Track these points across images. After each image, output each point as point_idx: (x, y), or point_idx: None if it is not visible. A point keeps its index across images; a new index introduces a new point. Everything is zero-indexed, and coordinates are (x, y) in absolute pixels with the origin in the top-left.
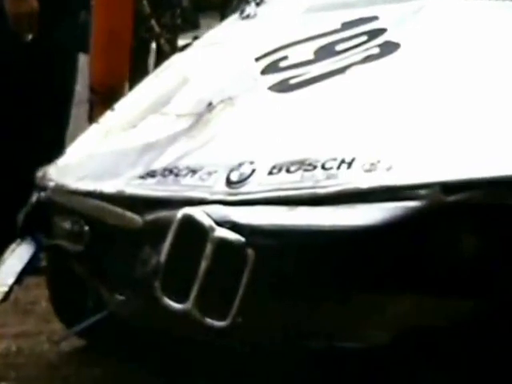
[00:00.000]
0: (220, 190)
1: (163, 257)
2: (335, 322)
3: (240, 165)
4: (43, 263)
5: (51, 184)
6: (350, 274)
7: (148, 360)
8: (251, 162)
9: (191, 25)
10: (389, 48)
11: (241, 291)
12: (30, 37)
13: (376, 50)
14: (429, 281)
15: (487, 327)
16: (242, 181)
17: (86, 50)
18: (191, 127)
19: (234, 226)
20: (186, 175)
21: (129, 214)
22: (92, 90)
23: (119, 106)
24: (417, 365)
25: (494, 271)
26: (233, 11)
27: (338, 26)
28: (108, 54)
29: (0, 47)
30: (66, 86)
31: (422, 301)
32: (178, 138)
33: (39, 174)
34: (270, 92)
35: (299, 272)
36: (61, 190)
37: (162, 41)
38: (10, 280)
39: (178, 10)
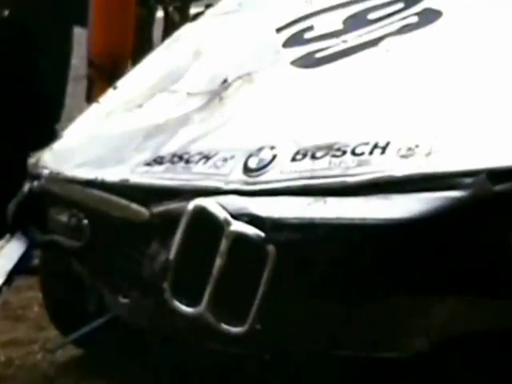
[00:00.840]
0: (236, 178)
1: (172, 254)
2: (371, 329)
3: (259, 150)
4: (36, 262)
5: (45, 172)
6: (386, 274)
7: (154, 372)
8: (272, 147)
9: None
10: (429, 16)
11: (260, 293)
12: (5, 12)
13: (414, 19)
14: (475, 282)
15: None
16: (262, 168)
17: (82, 23)
18: (204, 107)
19: (252, 220)
20: (198, 162)
21: (134, 205)
22: (91, 63)
23: (122, 82)
24: (458, 373)
25: None
26: None
27: None
28: (109, 22)
29: None
30: (60, 62)
31: (466, 304)
32: (189, 119)
33: (32, 160)
34: (293, 67)
35: (327, 272)
36: (56, 178)
37: (171, 9)
38: None
39: None
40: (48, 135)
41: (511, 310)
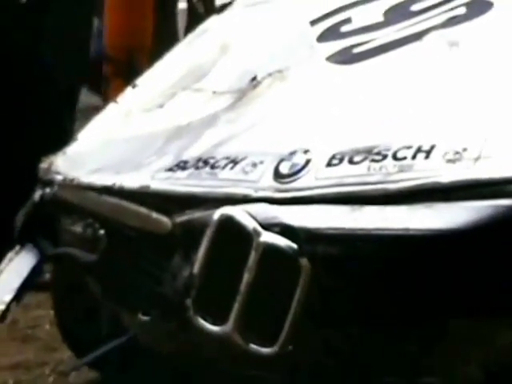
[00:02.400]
0: (267, 185)
1: (197, 268)
2: (418, 354)
3: (292, 154)
4: (47, 277)
5: (58, 178)
6: (432, 291)
7: None
8: (306, 151)
9: None
10: (479, 7)
11: (292, 311)
12: None
13: (462, 10)
14: None
15: None
16: (295, 174)
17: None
18: (231, 107)
19: (284, 230)
20: (224, 167)
21: (155, 215)
22: (107, 57)
23: (142, 80)
24: None
25: None
26: None
27: None
28: (125, 10)
29: None
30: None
31: None
32: (214, 120)
33: (43, 165)
34: (328, 63)
35: (367, 289)
36: (70, 184)
37: (195, 1)
38: (7, 297)
39: None
40: (60, 137)
41: None
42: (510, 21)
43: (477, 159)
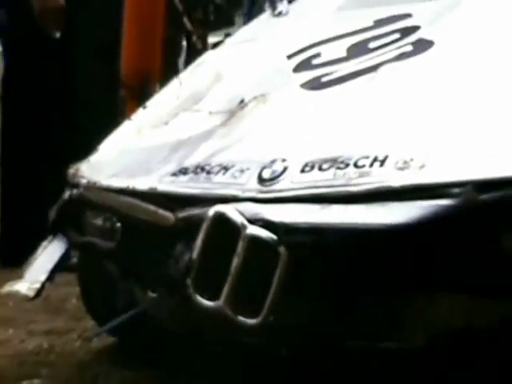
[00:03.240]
0: (252, 187)
1: (195, 254)
2: (372, 322)
3: (272, 162)
4: (74, 260)
5: (83, 181)
6: (384, 273)
7: (178, 361)
8: (283, 160)
9: (226, 22)
10: (422, 46)
11: (273, 289)
12: (57, 33)
13: (409, 48)
14: (465, 281)
15: None
16: (274, 178)
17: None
18: (223, 124)
19: (266, 224)
20: (218, 172)
21: (161, 211)
22: (124, 84)
23: (151, 103)
24: (452, 366)
25: None
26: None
27: (371, 24)
28: (140, 47)
29: (29, 44)
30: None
31: (458, 301)
32: (210, 135)
33: (71, 170)
34: (302, 89)
35: (332, 271)
36: (93, 186)
37: (194, 38)
38: (42, 277)
39: (211, 6)
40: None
41: (501, 308)
42: (447, 55)
43: (421, 167)
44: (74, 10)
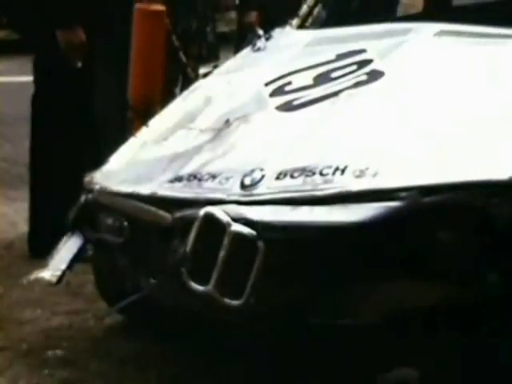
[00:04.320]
0: (235, 192)
1: (189, 247)
2: (334, 303)
3: (252, 171)
4: (90, 253)
5: (97, 187)
6: (344, 262)
7: (178, 336)
8: (261, 169)
9: (214, 56)
10: (374, 75)
11: (253, 276)
12: (79, 64)
13: (364, 77)
14: (410, 268)
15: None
16: (254, 184)
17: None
18: (212, 140)
19: (247, 222)
20: (207, 180)
21: (160, 212)
22: (131, 108)
23: (153, 122)
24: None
25: (463, 259)
26: (246, 45)
27: (333, 57)
28: (144, 78)
29: (54, 73)
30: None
31: (405, 285)
32: (201, 148)
33: (87, 178)
34: (276, 111)
35: (302, 260)
36: (104, 192)
37: (189, 69)
38: (63, 266)
39: (204, 44)
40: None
41: (439, 289)
42: (394, 84)
43: (374, 175)
44: (93, 45)
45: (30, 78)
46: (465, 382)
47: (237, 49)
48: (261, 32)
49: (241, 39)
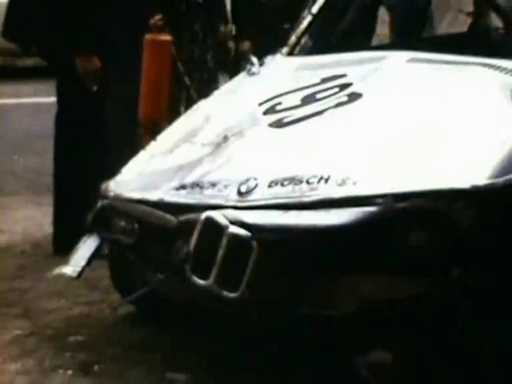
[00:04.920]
0: (233, 198)
1: (191, 247)
2: (318, 296)
3: (247, 180)
4: (106, 251)
5: (111, 194)
6: (329, 260)
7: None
8: (255, 179)
9: (214, 80)
10: (354, 97)
11: (248, 272)
12: (95, 87)
13: (345, 98)
14: (385, 265)
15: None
16: (249, 192)
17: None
18: (212, 153)
19: (243, 225)
20: (208, 188)
21: (167, 215)
22: (141, 124)
23: (160, 137)
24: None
25: (430, 256)
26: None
27: (318, 81)
28: (153, 100)
29: (74, 94)
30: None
31: (380, 280)
32: (202, 160)
33: (103, 186)
34: (269, 128)
35: (291, 258)
36: (118, 198)
37: (192, 91)
38: (83, 263)
39: (205, 69)
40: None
41: (411, 285)
42: (372, 104)
43: (354, 183)
44: (106, 70)
45: (54, 99)
46: (433, 366)
47: (232, 74)
48: (254, 59)
49: (236, 65)
